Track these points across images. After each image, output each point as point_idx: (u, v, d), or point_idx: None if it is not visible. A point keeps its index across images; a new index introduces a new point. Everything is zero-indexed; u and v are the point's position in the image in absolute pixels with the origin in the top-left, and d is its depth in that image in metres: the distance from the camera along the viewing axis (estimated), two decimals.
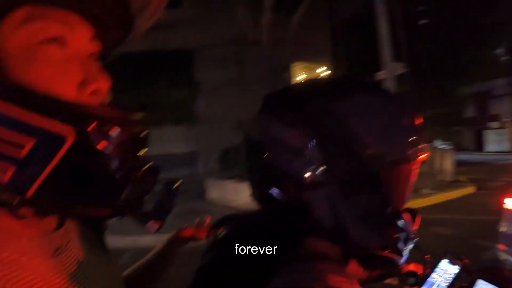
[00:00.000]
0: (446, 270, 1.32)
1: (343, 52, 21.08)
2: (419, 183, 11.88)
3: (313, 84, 0.87)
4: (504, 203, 4.78)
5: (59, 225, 0.54)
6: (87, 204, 0.48)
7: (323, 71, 17.27)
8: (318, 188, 0.69)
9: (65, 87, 0.48)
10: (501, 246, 4.69)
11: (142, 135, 0.55)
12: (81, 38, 0.51)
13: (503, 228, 4.77)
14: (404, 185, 0.75)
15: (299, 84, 0.90)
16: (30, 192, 0.43)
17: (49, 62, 0.47)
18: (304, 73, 17.44)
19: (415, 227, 0.80)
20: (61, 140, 0.43)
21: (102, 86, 0.51)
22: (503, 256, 4.63)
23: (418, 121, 0.75)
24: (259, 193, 0.86)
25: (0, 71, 0.45)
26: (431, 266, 1.34)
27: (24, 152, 0.42)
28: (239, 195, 9.15)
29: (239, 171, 9.80)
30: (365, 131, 0.68)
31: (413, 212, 0.81)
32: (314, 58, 16.65)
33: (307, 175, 0.68)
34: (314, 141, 0.68)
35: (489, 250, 5.43)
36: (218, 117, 12.98)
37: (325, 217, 0.69)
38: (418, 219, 0.83)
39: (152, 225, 0.60)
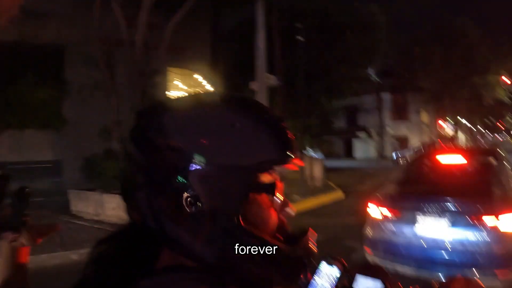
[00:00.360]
0: (327, 272, 1.31)
1: (221, 61, 21.33)
2: (290, 189, 12.34)
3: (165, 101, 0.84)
4: (370, 209, 5.04)
5: None
6: None
7: (199, 79, 17.21)
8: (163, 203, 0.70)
9: None
10: (367, 249, 4.96)
11: None
12: None
13: (368, 232, 5.04)
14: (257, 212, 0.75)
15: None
16: None
17: None
18: (179, 80, 17.17)
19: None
20: None
21: None
22: (369, 258, 4.92)
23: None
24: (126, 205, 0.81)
25: None
26: (312, 271, 1.30)
27: None
28: (104, 207, 8.50)
29: (103, 182, 9.14)
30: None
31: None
32: (191, 65, 16.45)
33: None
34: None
35: (358, 251, 5.68)
36: (85, 121, 11.98)
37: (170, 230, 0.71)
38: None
39: (8, 235, 0.53)
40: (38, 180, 12.14)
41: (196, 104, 0.81)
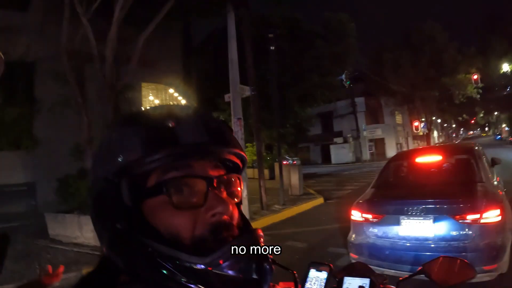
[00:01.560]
0: (317, 277, 1.47)
1: (194, 74, 21.29)
2: (270, 199, 12.29)
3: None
4: (352, 215, 5.03)
5: None
6: None
7: (172, 93, 17.08)
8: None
9: None
10: (352, 254, 4.93)
11: None
12: None
13: (352, 237, 5.02)
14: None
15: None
16: None
17: None
18: (152, 94, 17.01)
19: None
20: None
21: None
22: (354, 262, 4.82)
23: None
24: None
25: None
26: (302, 279, 1.47)
27: None
28: (82, 230, 8.24)
29: (78, 204, 8.90)
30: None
31: None
32: (164, 79, 16.31)
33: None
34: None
35: (342, 256, 5.64)
36: (57, 140, 11.65)
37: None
38: None
39: None
40: (11, 204, 11.74)
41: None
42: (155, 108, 0.81)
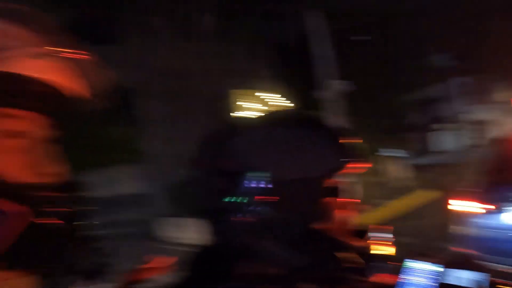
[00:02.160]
0: (422, 269, 1.40)
1: (283, 75, 21.42)
2: (373, 193, 11.96)
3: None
4: (455, 205, 4.77)
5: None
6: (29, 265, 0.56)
7: (266, 97, 17.39)
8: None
9: (21, 172, 0.56)
10: (456, 248, 4.65)
11: (85, 209, 0.62)
12: (32, 128, 0.59)
13: (455, 229, 4.76)
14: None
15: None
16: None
17: (6, 153, 0.56)
18: (247, 101, 17.46)
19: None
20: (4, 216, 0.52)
21: (50, 169, 0.60)
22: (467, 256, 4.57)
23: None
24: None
25: None
26: (406, 271, 1.42)
27: None
28: (189, 232, 8.83)
29: (187, 208, 9.51)
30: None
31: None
32: (257, 84, 16.71)
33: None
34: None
35: (446, 250, 5.40)
36: (163, 153, 12.63)
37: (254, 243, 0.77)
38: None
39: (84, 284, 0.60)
40: (128, 211, 13.12)
41: (261, 125, 0.89)
42: (325, 120, 0.95)
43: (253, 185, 0.77)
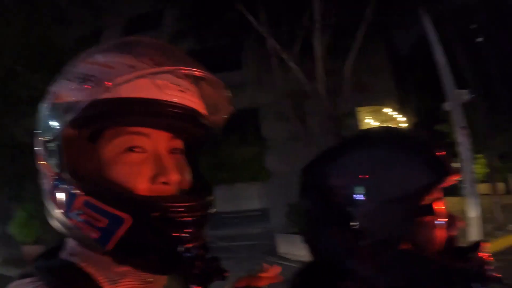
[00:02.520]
0: None
1: (407, 87, 20.33)
2: (507, 217, 10.72)
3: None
4: None
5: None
6: (143, 264, 0.66)
7: (389, 112, 16.74)
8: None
9: (139, 182, 0.66)
10: None
11: (207, 214, 0.70)
12: (156, 143, 0.69)
13: None
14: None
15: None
16: (109, 246, 0.63)
17: (127, 165, 0.66)
18: (370, 117, 17.02)
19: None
20: (120, 222, 0.62)
21: (171, 178, 0.68)
22: None
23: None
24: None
25: (99, 174, 0.66)
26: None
27: (102, 225, 0.63)
28: (302, 249, 8.92)
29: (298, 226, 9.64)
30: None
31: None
32: (379, 99, 16.28)
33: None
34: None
35: None
36: (286, 172, 13.02)
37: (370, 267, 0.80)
38: None
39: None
40: (248, 226, 13.94)
41: (351, 147, 0.93)
42: (418, 134, 0.97)
43: (355, 205, 0.80)
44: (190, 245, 0.64)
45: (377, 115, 17.90)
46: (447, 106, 10.56)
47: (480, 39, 11.12)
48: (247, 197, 14.64)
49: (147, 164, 0.67)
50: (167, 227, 0.63)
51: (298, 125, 10.80)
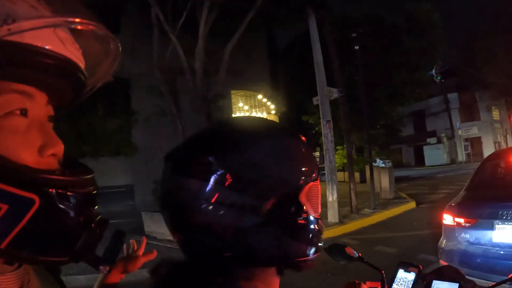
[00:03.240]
0: (405, 278, 1.47)
1: (281, 79, 21.45)
2: (360, 203, 12.03)
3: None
4: (444, 219, 4.79)
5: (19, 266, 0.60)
6: (49, 255, 0.55)
7: (261, 98, 17.41)
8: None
9: (28, 154, 0.54)
10: (442, 262, 4.68)
11: (93, 192, 0.60)
12: (39, 105, 0.57)
13: (443, 243, 4.78)
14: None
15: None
16: (3, 245, 0.50)
17: (11, 132, 0.53)
18: (241, 101, 17.49)
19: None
20: (28, 205, 0.50)
21: (60, 149, 0.58)
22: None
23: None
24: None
25: None
26: (390, 279, 1.49)
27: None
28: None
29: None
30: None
31: None
32: (253, 86, 16.76)
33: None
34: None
35: (433, 264, 5.43)
36: (153, 147, 12.60)
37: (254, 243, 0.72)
38: None
39: (103, 268, 0.63)
40: (113, 203, 13.11)
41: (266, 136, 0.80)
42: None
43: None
44: (93, 225, 0.59)
45: (248, 99, 18.50)
46: (316, 100, 11.35)
47: (356, 47, 12.16)
48: (111, 173, 13.66)
49: (32, 132, 0.56)
50: (73, 206, 0.55)
51: (169, 101, 10.41)
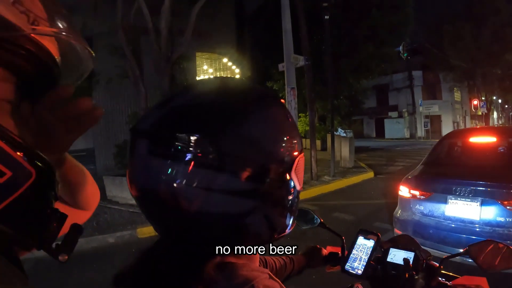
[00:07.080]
0: (364, 245, 1.52)
1: (248, 44, 21.15)
2: (320, 170, 12.28)
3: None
4: (400, 190, 4.96)
5: None
6: (25, 235, 0.52)
7: (226, 62, 17.17)
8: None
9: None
10: (397, 230, 4.92)
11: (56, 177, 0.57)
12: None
13: (398, 213, 4.98)
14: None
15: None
16: None
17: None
18: (205, 64, 17.19)
19: None
20: (26, 177, 0.49)
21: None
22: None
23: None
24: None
25: None
26: (351, 245, 1.55)
27: (2, 180, 0.48)
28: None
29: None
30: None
31: None
32: (218, 49, 16.44)
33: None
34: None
35: (388, 232, 5.65)
36: (115, 110, 12.28)
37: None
38: None
39: (63, 257, 0.59)
40: None
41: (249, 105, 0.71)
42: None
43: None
44: (58, 214, 0.56)
45: (213, 62, 18.22)
46: (282, 66, 11.31)
47: (326, 17, 12.03)
48: None
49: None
50: (53, 190, 0.55)
51: (132, 63, 10.06)
